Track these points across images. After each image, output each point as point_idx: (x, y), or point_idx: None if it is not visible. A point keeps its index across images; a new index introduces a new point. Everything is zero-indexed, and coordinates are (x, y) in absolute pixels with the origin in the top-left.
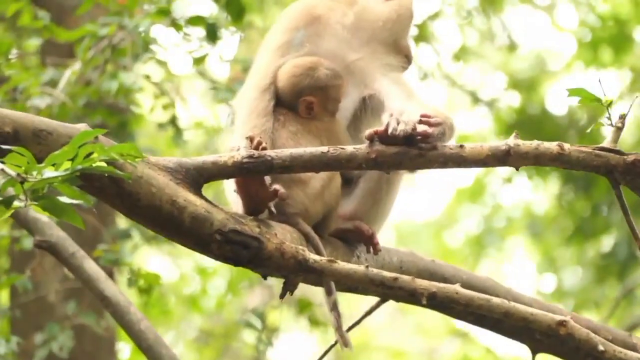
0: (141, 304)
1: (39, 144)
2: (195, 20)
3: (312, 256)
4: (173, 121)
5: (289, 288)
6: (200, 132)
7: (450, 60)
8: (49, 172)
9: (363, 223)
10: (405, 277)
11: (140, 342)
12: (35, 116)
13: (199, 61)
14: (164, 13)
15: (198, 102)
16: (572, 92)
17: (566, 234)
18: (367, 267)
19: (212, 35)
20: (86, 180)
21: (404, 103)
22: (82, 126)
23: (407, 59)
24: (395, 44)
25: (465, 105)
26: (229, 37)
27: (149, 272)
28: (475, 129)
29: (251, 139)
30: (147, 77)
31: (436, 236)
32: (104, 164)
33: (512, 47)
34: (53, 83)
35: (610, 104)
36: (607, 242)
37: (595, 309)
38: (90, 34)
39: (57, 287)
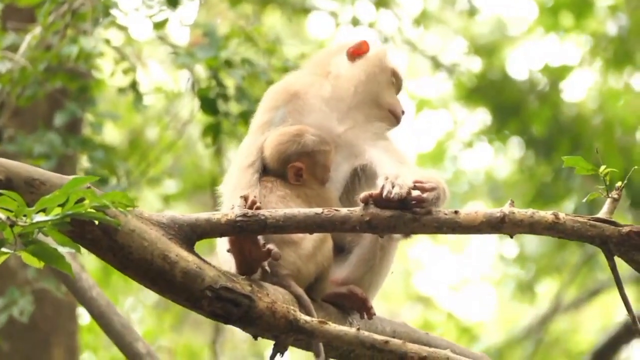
0: (101, 269)
1: (32, 193)
2: None
3: (303, 317)
4: (133, 86)
5: (279, 349)
6: (160, 96)
7: (411, 26)
8: (39, 217)
9: (356, 287)
10: (396, 341)
11: (92, 309)
12: (29, 166)
13: (159, 26)
14: None
15: (158, 66)
16: (569, 161)
17: (527, 198)
18: (358, 329)
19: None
20: (78, 231)
21: (397, 168)
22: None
23: (393, 114)
24: (376, 102)
25: (426, 71)
26: (189, 1)
27: None
28: (436, 94)
29: (245, 198)
30: (108, 41)
31: None
32: (94, 211)
33: (472, 12)
34: (14, 47)
35: (606, 174)
36: (568, 207)
37: (557, 274)
38: None
39: None
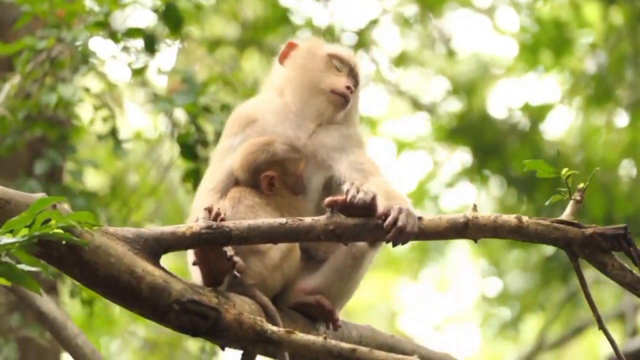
0: (85, 315)
1: None
2: (133, 32)
3: (270, 327)
4: (113, 133)
5: (247, 359)
6: (141, 142)
7: (390, 67)
8: (6, 239)
9: (324, 298)
10: (364, 349)
11: (78, 356)
12: None
13: (138, 73)
14: (102, 25)
15: (138, 111)
16: (530, 164)
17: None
18: (325, 338)
19: (151, 46)
20: (45, 249)
21: (364, 179)
22: (40, 195)
23: (335, 92)
24: (315, 90)
25: (405, 111)
26: (168, 48)
27: None
28: (416, 135)
29: (209, 210)
30: (87, 89)
31: None
32: (61, 231)
33: (451, 53)
34: None
35: (568, 177)
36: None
37: (541, 312)
38: (29, 47)
39: (1, 299)
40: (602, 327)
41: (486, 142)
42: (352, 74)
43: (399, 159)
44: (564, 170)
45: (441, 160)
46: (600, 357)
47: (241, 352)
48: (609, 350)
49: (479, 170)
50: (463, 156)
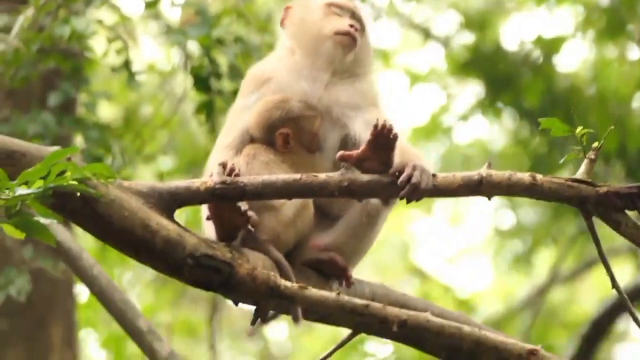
0: (99, 247)
1: (13, 165)
2: None
3: (284, 282)
4: (126, 65)
5: (260, 315)
6: (154, 74)
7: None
8: (22, 190)
9: (338, 255)
10: (377, 304)
11: (93, 287)
12: (9, 138)
13: (151, 5)
14: None
15: (151, 44)
16: (545, 122)
17: (523, 170)
18: (338, 293)
19: None
20: (59, 201)
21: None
22: (55, 148)
23: (340, 33)
24: (319, 39)
25: (418, 44)
26: None
27: None
28: (429, 68)
29: (224, 166)
30: (100, 22)
31: None
32: (76, 183)
33: None
34: (6, 29)
35: (583, 135)
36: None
37: (554, 245)
38: None
39: None
40: (615, 286)
41: (499, 75)
42: (355, 17)
43: (412, 92)
44: (579, 128)
45: (454, 93)
46: (612, 291)
47: (254, 307)
48: (622, 284)
49: (491, 103)
50: (476, 89)
